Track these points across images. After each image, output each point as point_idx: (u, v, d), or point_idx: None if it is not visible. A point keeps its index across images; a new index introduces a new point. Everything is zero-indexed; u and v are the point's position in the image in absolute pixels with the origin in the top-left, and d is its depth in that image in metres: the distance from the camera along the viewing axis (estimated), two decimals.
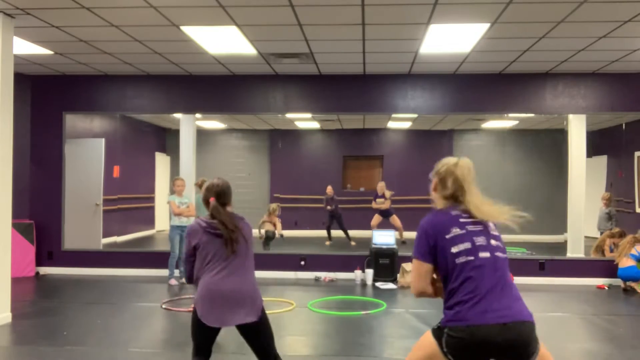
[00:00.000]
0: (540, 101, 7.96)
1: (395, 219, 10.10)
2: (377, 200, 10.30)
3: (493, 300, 2.18)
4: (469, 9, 5.10)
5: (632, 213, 9.45)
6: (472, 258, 2.25)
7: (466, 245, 2.26)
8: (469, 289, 2.20)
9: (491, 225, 2.36)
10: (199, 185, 7.39)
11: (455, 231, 2.29)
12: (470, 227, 2.30)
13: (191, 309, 3.08)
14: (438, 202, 2.44)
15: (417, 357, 2.30)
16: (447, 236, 2.28)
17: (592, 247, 8.25)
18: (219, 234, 2.99)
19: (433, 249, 2.29)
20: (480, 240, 2.28)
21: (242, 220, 3.14)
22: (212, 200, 3.08)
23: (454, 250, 2.26)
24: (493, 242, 2.31)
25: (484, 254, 2.26)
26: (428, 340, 2.29)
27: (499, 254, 2.29)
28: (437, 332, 2.26)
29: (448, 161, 2.45)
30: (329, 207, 10.76)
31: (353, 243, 10.36)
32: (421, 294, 2.38)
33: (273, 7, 5.06)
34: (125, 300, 6.48)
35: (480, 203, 2.35)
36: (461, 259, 2.25)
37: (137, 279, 7.84)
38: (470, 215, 2.32)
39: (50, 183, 8.31)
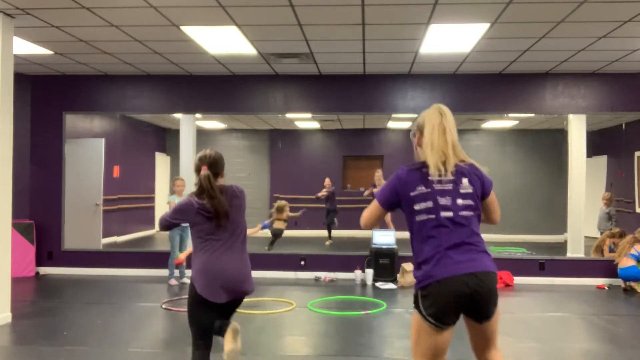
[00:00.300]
0: (540, 101, 7.96)
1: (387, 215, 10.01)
2: (374, 190, 10.26)
3: (457, 254, 2.22)
4: (469, 9, 5.10)
5: (632, 213, 9.45)
6: (432, 216, 2.27)
7: (428, 204, 2.29)
8: (432, 245, 2.25)
9: (464, 182, 2.34)
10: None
11: (420, 189, 2.31)
12: (437, 186, 2.30)
13: None
14: (422, 155, 2.43)
15: (413, 339, 2.33)
16: (412, 193, 2.32)
17: (592, 247, 8.25)
18: (211, 217, 2.99)
19: (395, 202, 2.39)
20: (444, 200, 2.28)
21: (235, 196, 3.11)
22: (204, 168, 3.05)
23: (416, 207, 2.30)
24: (460, 201, 2.30)
25: (446, 213, 2.27)
26: (414, 317, 2.32)
27: (464, 212, 2.29)
28: (415, 302, 2.30)
29: (423, 112, 2.46)
30: (323, 193, 10.71)
31: (328, 242, 10.42)
32: (368, 228, 2.57)
33: (273, 7, 5.06)
34: (125, 300, 6.48)
35: (444, 144, 2.33)
36: (422, 217, 2.29)
37: (137, 279, 7.84)
38: (441, 170, 2.30)
39: (50, 183, 8.31)
